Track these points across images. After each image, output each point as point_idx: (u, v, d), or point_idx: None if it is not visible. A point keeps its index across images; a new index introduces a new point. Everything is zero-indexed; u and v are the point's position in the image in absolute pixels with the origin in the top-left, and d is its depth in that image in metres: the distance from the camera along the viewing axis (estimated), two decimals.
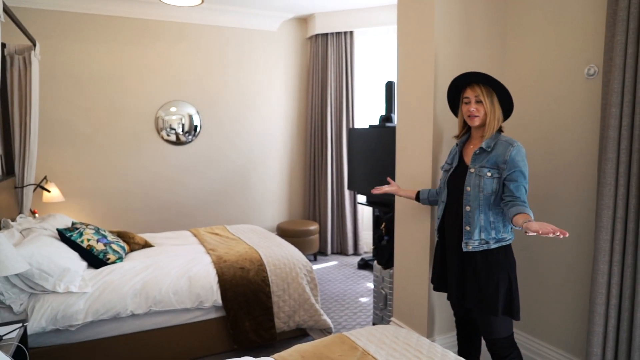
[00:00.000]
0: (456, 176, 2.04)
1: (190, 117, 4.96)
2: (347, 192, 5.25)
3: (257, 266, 3.03)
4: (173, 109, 4.87)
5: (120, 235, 3.43)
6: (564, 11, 2.32)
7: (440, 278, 2.16)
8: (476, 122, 1.96)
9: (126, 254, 3.23)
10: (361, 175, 4.05)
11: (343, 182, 5.25)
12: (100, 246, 3.01)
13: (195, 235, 3.85)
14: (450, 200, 2.06)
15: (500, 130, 1.99)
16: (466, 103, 1.99)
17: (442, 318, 2.61)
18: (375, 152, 3.81)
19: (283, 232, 4.97)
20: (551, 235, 1.53)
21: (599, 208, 1.99)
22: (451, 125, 2.48)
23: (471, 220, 1.93)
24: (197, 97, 4.97)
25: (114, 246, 3.10)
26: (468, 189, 1.94)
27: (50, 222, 3.29)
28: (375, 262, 3.24)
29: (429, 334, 2.58)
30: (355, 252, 5.37)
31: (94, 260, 2.95)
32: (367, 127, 4.07)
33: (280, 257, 3.16)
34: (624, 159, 1.90)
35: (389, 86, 4.03)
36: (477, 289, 1.92)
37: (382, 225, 3.25)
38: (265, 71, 5.30)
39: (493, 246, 1.92)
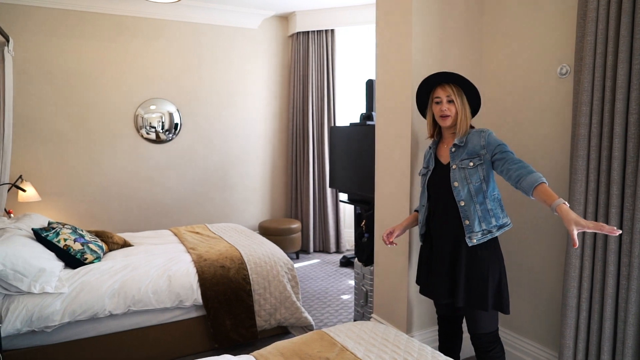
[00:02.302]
0: (435, 177, 2.05)
1: (171, 115, 4.91)
2: (329, 190, 5.27)
3: (238, 265, 3.02)
4: (153, 107, 4.81)
5: (99, 234, 3.38)
6: (537, 12, 2.38)
7: (427, 282, 2.13)
8: (448, 122, 1.97)
9: (104, 253, 3.19)
10: (343, 173, 4.07)
11: (325, 180, 5.26)
12: (77, 246, 2.96)
13: (175, 234, 3.82)
14: (434, 202, 2.05)
15: (471, 127, 2.02)
16: (437, 103, 1.99)
17: (420, 314, 2.65)
18: (356, 150, 3.83)
19: (265, 231, 4.96)
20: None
21: (570, 204, 2.04)
22: None
23: (468, 213, 1.91)
24: (177, 95, 4.92)
25: (92, 246, 3.06)
26: (455, 184, 1.93)
27: (26, 222, 3.22)
28: (356, 259, 3.27)
29: (408, 330, 2.61)
30: (338, 250, 5.39)
31: (71, 260, 2.90)
32: (348, 125, 4.09)
33: (262, 255, 3.16)
34: (594, 155, 1.96)
35: (370, 84, 4.06)
36: (467, 284, 1.92)
37: (363, 223, 3.27)
38: (247, 69, 5.27)
39: (497, 233, 1.91)
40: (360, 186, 3.74)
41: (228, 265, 3.00)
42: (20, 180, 4.09)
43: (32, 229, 2.95)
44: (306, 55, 5.26)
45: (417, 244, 2.57)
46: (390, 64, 2.64)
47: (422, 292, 2.18)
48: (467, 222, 1.91)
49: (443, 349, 2.23)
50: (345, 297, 3.93)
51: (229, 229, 3.95)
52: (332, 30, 5.19)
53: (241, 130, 5.31)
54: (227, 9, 4.94)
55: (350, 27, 5.14)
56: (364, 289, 3.14)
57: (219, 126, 5.18)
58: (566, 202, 1.61)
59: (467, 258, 1.94)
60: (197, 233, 3.81)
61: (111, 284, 2.67)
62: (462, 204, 1.93)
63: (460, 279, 1.94)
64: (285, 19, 5.44)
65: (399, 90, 2.57)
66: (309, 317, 3.13)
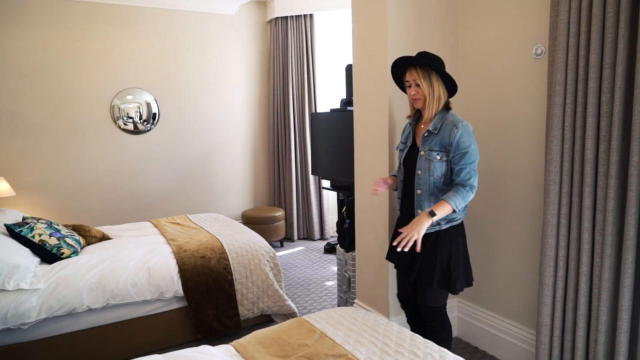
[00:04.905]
0: (410, 157, 2.06)
1: (148, 104, 4.81)
2: (311, 177, 5.25)
3: (219, 254, 3.00)
4: (129, 97, 4.70)
5: (76, 228, 3.31)
6: None
7: (394, 251, 2.16)
8: (419, 104, 1.97)
9: (82, 247, 3.13)
10: (324, 159, 4.04)
11: (307, 167, 5.24)
12: (53, 240, 2.90)
13: (155, 226, 3.77)
14: (407, 180, 2.07)
15: (448, 108, 2.00)
16: (408, 86, 1.99)
17: None
18: (337, 136, 3.80)
19: (248, 220, 4.93)
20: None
21: (546, 184, 2.06)
22: (406, 107, 2.49)
23: (422, 204, 1.96)
24: (154, 84, 4.82)
25: (69, 240, 2.99)
26: (419, 172, 1.96)
27: None
28: (338, 245, 3.26)
29: (390, 314, 2.63)
30: (322, 237, 5.39)
31: (47, 255, 2.84)
32: (329, 111, 4.05)
33: (243, 244, 3.14)
34: (568, 135, 1.96)
35: (350, 69, 4.01)
36: (418, 261, 1.98)
37: (344, 209, 3.26)
38: (225, 56, 5.18)
39: (445, 227, 1.96)
40: (341, 172, 3.72)
41: (209, 256, 2.97)
42: None
43: (5, 225, 2.87)
44: (285, 41, 5.18)
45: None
46: (367, 48, 2.61)
47: (387, 258, 2.23)
48: (419, 211, 1.97)
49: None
50: (329, 283, 3.94)
51: (210, 219, 3.92)
52: (311, 15, 5.11)
53: (221, 118, 5.24)
54: None
55: (330, 11, 5.06)
56: (347, 275, 3.15)
57: (199, 115, 5.09)
58: (432, 215, 1.83)
59: (423, 237, 1.96)
60: (178, 224, 3.77)
61: (89, 278, 2.63)
62: (419, 192, 1.96)
63: (417, 257, 1.99)
64: (263, 4, 5.34)
65: (376, 74, 2.55)
66: (292, 305, 3.13)
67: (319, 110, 5.24)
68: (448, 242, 1.96)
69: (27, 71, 4.20)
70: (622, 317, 1.79)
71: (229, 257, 3.00)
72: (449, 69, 2.63)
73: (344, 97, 4.11)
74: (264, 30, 5.41)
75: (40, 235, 2.88)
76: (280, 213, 5.02)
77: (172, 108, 4.94)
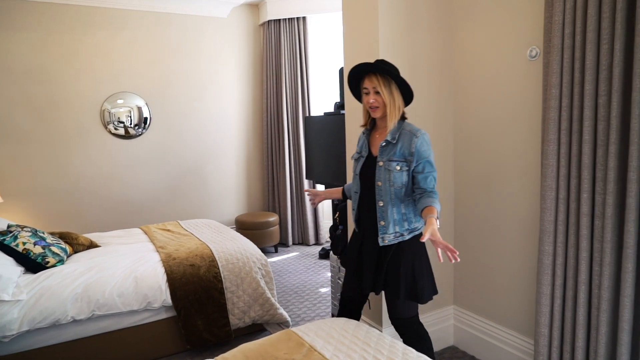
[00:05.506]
0: (366, 167, 1.99)
1: (140, 109, 4.74)
2: (306, 182, 5.18)
3: (209, 262, 2.92)
4: (120, 101, 4.63)
5: (62, 236, 3.23)
6: None
7: (353, 263, 2.09)
8: (378, 113, 1.90)
9: (68, 256, 3.05)
10: (319, 163, 3.98)
11: (301, 171, 5.17)
12: (37, 249, 2.82)
13: (145, 233, 3.69)
14: (363, 191, 2.00)
15: (403, 118, 1.94)
16: (366, 94, 1.91)
17: None
18: (330, 139, 3.74)
19: (242, 225, 4.86)
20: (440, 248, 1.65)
21: (542, 189, 2.00)
22: None
23: (385, 215, 1.90)
24: (146, 88, 4.75)
25: (54, 248, 2.92)
26: (379, 183, 1.90)
27: None
28: (332, 251, 3.19)
29: (383, 324, 2.56)
30: (317, 242, 5.32)
31: (32, 264, 2.76)
32: (322, 114, 3.99)
33: (233, 251, 3.06)
34: (565, 139, 1.90)
35: (342, 72, 3.96)
36: (385, 274, 1.94)
37: (337, 215, 3.19)
38: (218, 59, 5.12)
39: (407, 237, 1.92)
40: (335, 176, 3.65)
41: (198, 264, 2.89)
42: None
43: None
44: (278, 44, 5.12)
45: None
46: (357, 51, 2.55)
47: (342, 264, 2.18)
48: (382, 222, 1.92)
49: None
50: (323, 290, 3.87)
51: (201, 225, 3.84)
52: (304, 18, 5.05)
53: (214, 122, 5.17)
54: None
55: (322, 14, 5.00)
56: (340, 282, 3.07)
57: (191, 119, 5.02)
58: (437, 219, 1.73)
59: (385, 250, 1.94)
60: (168, 230, 3.69)
61: (74, 287, 2.55)
62: (381, 204, 1.91)
63: (382, 270, 1.95)
64: (255, 7, 5.28)
65: None
66: (285, 313, 3.05)
67: (313, 113, 5.18)
68: (410, 253, 1.92)
69: (15, 75, 4.13)
70: (622, 328, 1.72)
71: (219, 265, 2.93)
72: (442, 72, 2.59)
73: (338, 100, 4.05)
74: (257, 33, 5.35)
75: (24, 243, 2.81)
76: (274, 218, 4.95)
77: (163, 112, 4.86)
